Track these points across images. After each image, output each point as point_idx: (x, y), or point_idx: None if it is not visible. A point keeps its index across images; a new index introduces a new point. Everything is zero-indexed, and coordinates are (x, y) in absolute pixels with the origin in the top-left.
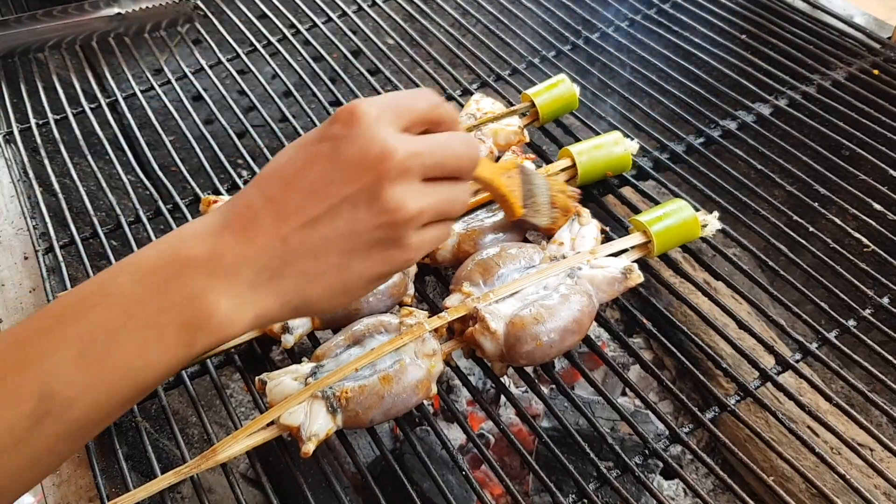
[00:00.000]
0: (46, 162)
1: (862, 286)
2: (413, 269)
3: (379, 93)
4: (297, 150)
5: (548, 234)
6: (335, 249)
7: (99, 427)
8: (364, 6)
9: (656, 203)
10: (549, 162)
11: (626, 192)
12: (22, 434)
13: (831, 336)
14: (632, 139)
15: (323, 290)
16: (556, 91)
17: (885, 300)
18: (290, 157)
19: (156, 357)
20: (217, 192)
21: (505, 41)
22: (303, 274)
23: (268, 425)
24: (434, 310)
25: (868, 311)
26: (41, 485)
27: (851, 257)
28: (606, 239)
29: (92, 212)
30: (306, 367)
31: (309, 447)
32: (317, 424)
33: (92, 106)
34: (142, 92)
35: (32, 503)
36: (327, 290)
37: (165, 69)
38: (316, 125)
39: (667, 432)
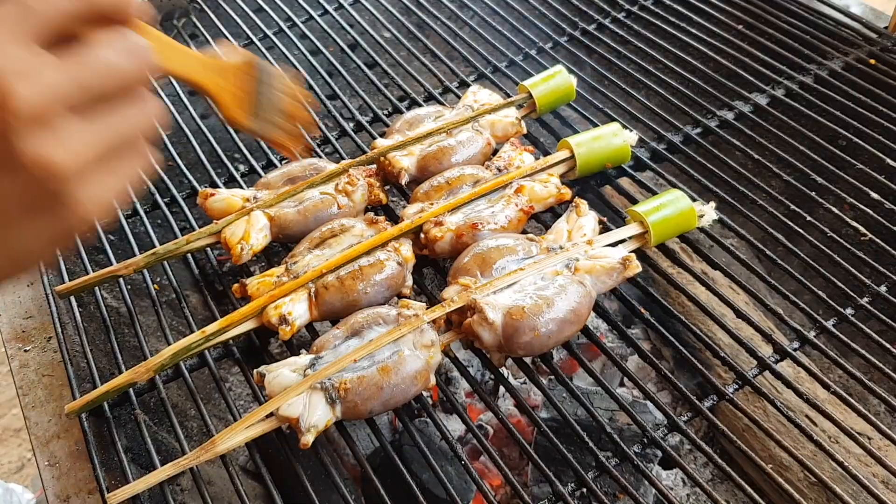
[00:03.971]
0: None
1: (859, 275)
2: (411, 261)
3: (377, 87)
4: None
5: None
6: None
7: None
8: None
9: (654, 194)
10: (546, 153)
11: (624, 182)
12: None
13: (829, 325)
14: (630, 130)
15: None
16: (553, 82)
17: (883, 288)
18: None
19: None
20: (214, 186)
21: (502, 33)
22: None
23: (267, 417)
24: (432, 301)
25: (866, 299)
26: (41, 478)
27: (849, 246)
28: (604, 230)
29: None
30: (305, 358)
31: (308, 438)
32: (316, 415)
33: None
34: None
35: (31, 499)
36: None
37: None
38: (314, 119)
39: (665, 422)
